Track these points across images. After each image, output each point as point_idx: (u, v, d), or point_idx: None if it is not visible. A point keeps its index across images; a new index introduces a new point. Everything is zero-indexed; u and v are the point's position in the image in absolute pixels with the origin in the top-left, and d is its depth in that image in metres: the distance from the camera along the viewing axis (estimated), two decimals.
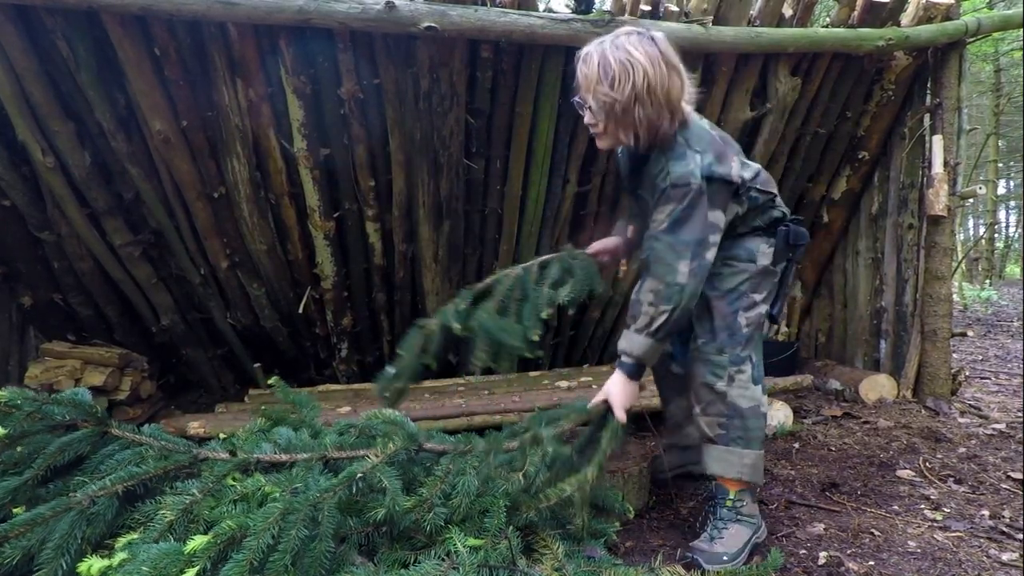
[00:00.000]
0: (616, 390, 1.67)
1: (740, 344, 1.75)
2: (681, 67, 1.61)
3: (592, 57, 1.58)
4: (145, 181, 2.68)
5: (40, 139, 2.48)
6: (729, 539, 1.71)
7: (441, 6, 2.29)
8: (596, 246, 2.02)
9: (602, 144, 1.72)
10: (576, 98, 1.68)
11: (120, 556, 1.21)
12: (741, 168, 1.70)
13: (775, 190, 1.82)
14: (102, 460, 1.54)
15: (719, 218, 1.65)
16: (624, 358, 1.67)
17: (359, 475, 1.45)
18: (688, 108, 1.67)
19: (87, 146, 2.57)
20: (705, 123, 1.73)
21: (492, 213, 3.00)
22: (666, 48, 1.58)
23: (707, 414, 1.77)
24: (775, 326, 3.81)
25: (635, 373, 1.68)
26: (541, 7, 2.49)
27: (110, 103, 2.44)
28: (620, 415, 1.65)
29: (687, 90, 1.63)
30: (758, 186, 1.76)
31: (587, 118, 1.66)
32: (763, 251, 1.78)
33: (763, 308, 1.80)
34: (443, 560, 1.35)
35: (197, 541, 1.20)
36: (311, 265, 3.10)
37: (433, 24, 2.26)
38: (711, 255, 1.64)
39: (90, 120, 2.50)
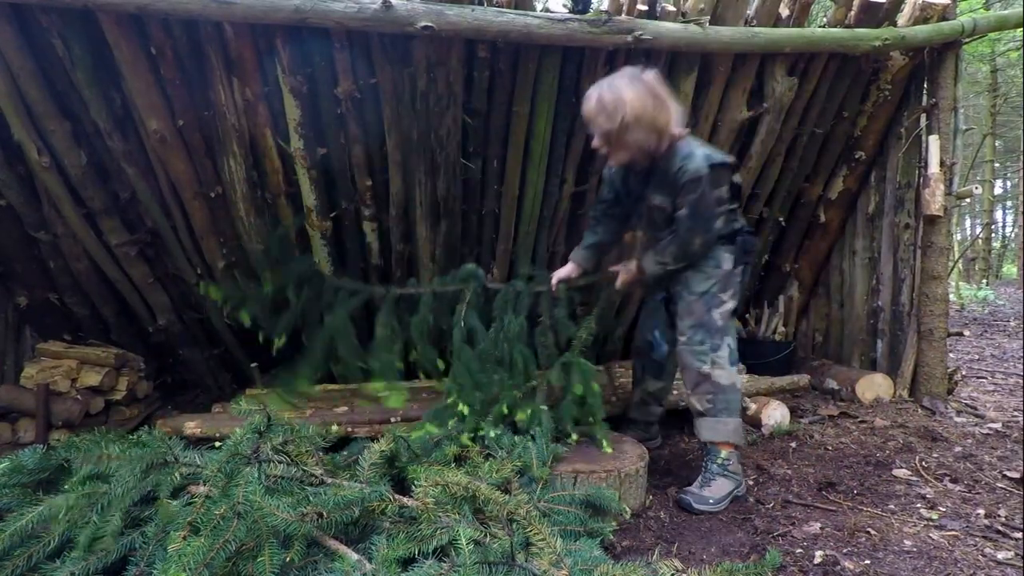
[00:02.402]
0: (626, 273, 2.35)
1: (716, 334, 2.16)
2: (668, 98, 2.01)
3: (592, 97, 2.02)
4: (141, 180, 2.67)
5: (35, 138, 2.47)
6: (716, 488, 2.11)
7: (438, 5, 2.29)
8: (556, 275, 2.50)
9: (613, 161, 2.16)
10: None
11: None
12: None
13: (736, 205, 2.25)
14: None
15: (724, 192, 2.12)
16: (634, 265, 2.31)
17: None
18: (680, 129, 2.07)
19: (83, 145, 2.57)
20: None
21: (489, 213, 3.00)
22: (654, 85, 1.99)
23: (696, 393, 2.19)
24: (770, 324, 3.83)
25: (640, 276, 2.30)
26: (538, 7, 2.49)
27: (106, 102, 2.43)
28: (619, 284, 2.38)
29: (675, 115, 2.03)
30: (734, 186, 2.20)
31: (595, 143, 2.10)
32: (726, 258, 2.18)
33: (731, 304, 2.20)
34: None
35: None
36: None
37: (430, 24, 2.26)
38: (720, 223, 2.13)
39: (86, 119, 2.49)
